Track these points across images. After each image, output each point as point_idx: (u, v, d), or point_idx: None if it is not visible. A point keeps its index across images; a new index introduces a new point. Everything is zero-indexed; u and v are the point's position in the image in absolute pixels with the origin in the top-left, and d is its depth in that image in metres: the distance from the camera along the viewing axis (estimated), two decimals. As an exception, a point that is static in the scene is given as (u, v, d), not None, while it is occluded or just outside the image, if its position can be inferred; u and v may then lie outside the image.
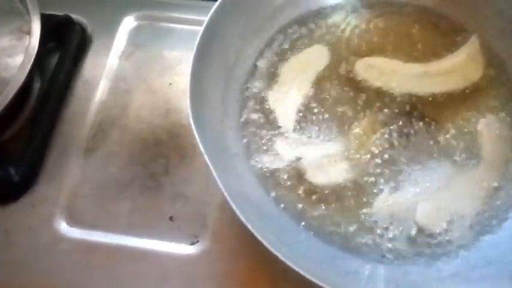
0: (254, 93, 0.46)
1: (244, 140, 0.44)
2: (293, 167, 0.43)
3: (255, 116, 0.45)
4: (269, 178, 0.42)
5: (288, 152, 0.43)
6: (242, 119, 0.45)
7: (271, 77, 0.47)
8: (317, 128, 0.44)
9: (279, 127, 0.44)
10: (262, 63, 0.47)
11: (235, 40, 0.44)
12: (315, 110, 0.45)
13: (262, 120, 0.45)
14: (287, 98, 0.45)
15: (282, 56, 0.48)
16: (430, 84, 0.45)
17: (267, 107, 0.45)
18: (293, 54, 0.48)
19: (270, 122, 0.45)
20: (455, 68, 0.46)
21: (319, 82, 0.46)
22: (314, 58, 0.47)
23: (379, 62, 0.47)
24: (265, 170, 0.42)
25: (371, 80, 0.46)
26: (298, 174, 0.42)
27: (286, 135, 0.44)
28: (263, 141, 0.44)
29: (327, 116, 0.45)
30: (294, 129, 0.44)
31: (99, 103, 0.51)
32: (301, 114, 0.45)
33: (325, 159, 0.42)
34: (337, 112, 0.45)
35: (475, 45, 0.47)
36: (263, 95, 0.46)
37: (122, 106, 0.51)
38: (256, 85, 0.46)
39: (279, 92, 0.46)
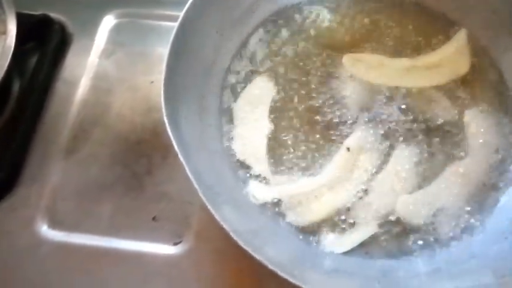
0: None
1: (226, 143, 0.43)
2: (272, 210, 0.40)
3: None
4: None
5: (264, 195, 0.40)
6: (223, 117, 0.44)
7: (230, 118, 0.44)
8: (292, 163, 0.42)
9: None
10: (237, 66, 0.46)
11: (213, 35, 0.43)
12: (284, 145, 0.43)
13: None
14: (251, 141, 0.43)
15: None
16: (418, 78, 0.44)
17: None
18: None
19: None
20: (443, 62, 0.45)
21: (276, 114, 0.44)
22: (261, 92, 0.45)
23: (367, 56, 0.46)
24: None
25: (359, 75, 0.45)
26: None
27: (263, 177, 0.41)
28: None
29: (301, 147, 0.42)
30: (272, 172, 0.41)
31: (80, 103, 0.51)
32: (271, 153, 0.42)
33: (303, 196, 0.40)
34: (308, 141, 0.43)
35: (463, 38, 0.46)
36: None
37: (104, 105, 0.51)
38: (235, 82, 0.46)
39: (242, 136, 0.43)
